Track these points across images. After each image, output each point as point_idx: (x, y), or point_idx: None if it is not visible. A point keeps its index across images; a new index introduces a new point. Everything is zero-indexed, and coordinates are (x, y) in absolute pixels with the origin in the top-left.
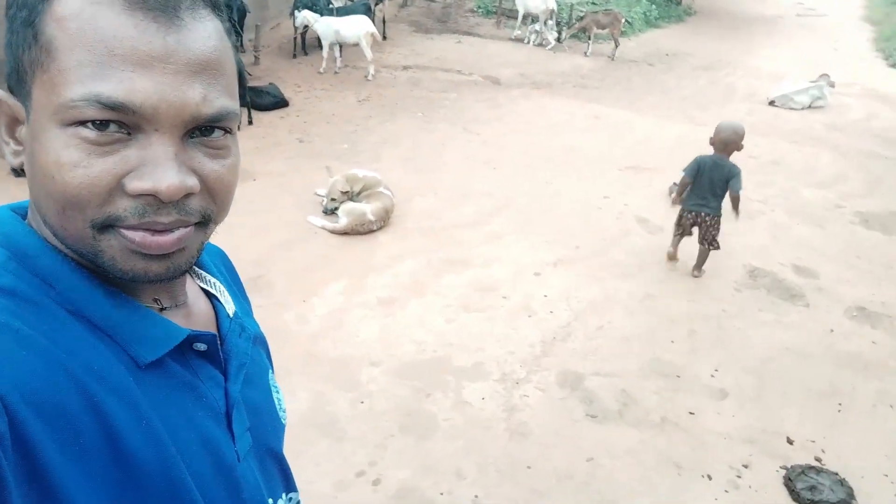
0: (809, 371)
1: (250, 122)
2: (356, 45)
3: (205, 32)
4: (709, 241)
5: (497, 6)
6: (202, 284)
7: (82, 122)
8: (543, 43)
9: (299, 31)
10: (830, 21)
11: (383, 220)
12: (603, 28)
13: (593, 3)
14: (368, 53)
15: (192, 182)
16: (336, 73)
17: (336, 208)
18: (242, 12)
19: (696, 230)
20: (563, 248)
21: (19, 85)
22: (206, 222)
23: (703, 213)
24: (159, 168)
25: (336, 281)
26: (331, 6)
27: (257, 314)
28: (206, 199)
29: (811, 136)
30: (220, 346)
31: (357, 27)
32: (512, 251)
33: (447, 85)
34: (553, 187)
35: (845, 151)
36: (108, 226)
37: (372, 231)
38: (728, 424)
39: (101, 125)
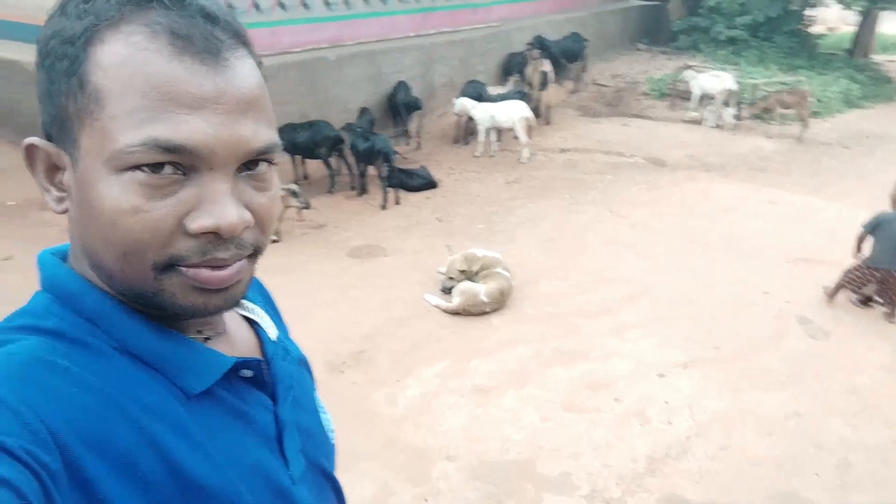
0: None
1: (398, 202)
2: (511, 129)
3: (247, 71)
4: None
5: (671, 88)
6: (242, 312)
7: (138, 167)
8: (720, 124)
9: (461, 118)
10: None
11: (498, 302)
12: (788, 108)
13: (783, 84)
14: (523, 137)
15: (248, 216)
16: (492, 156)
17: (453, 287)
18: (415, 106)
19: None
20: (700, 348)
21: (62, 133)
22: (255, 253)
23: (893, 270)
24: (218, 205)
25: (437, 362)
26: (489, 94)
27: (351, 390)
28: (257, 232)
29: None
30: (265, 371)
31: (511, 112)
32: (637, 346)
33: (604, 167)
34: (702, 277)
35: None
36: (169, 266)
37: (485, 312)
38: None
39: (155, 168)
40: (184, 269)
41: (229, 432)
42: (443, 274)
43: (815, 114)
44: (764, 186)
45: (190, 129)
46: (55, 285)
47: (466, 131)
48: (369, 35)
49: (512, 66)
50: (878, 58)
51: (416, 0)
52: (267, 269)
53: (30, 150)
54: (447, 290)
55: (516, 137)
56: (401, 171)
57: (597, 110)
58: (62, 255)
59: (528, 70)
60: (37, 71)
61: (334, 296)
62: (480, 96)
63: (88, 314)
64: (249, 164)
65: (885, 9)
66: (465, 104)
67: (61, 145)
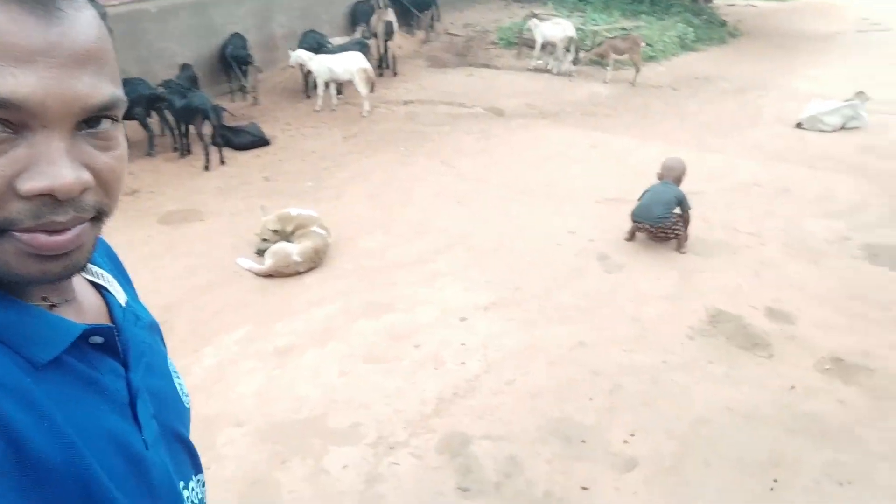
0: (749, 437)
1: (222, 162)
2: (350, 81)
3: (86, 22)
4: (665, 238)
5: (518, 36)
6: (89, 277)
7: None
8: (561, 71)
9: (301, 70)
10: (895, 36)
11: (313, 261)
12: (622, 53)
13: (623, 30)
14: (363, 90)
15: (87, 177)
16: (332, 110)
17: (266, 249)
18: (245, 59)
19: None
20: (503, 289)
21: None
22: (99, 217)
23: (646, 224)
24: (53, 166)
25: (240, 328)
26: (329, 45)
27: None
28: (100, 193)
29: (837, 161)
30: (117, 337)
31: (350, 64)
32: (445, 293)
33: (444, 118)
34: (517, 222)
35: (873, 176)
36: (0, 231)
37: (298, 273)
38: (626, 502)
39: None
40: (17, 233)
41: (80, 402)
42: (258, 236)
43: (651, 58)
44: (591, 131)
45: (17, 84)
46: None
47: (307, 85)
48: None
49: (358, 16)
50: (718, 2)
51: None
52: None
53: None
54: (261, 253)
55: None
56: (227, 128)
57: (446, 60)
58: None
59: (373, 20)
60: None
61: (135, 266)
62: (320, 47)
63: None
64: (91, 122)
65: None
66: (302, 56)
67: None
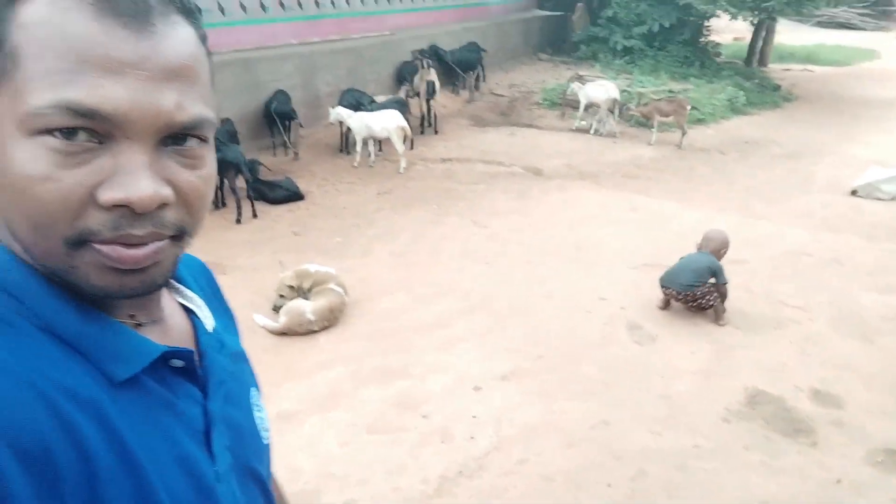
0: None
1: (255, 216)
2: (388, 138)
3: (178, 39)
4: (697, 308)
5: (562, 98)
6: (180, 299)
7: (50, 132)
8: (603, 132)
9: (341, 127)
10: None
11: (328, 320)
12: (667, 116)
13: (670, 92)
14: (399, 147)
15: (167, 192)
16: (370, 166)
17: (283, 306)
18: (288, 115)
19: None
20: (523, 358)
21: None
22: (180, 235)
23: (673, 291)
24: (132, 177)
25: None
26: (367, 104)
27: None
28: (181, 212)
29: (894, 231)
30: (198, 363)
31: (387, 121)
32: (461, 360)
33: (481, 177)
34: (545, 286)
35: None
36: (81, 241)
37: (312, 332)
38: None
39: (69, 134)
40: (97, 245)
41: (154, 424)
42: (276, 292)
43: (700, 120)
44: (631, 193)
45: (104, 94)
46: None
47: (347, 141)
48: (247, 43)
49: (404, 75)
50: (774, 66)
51: (300, 7)
52: None
53: None
54: (277, 309)
55: None
56: (262, 182)
57: (488, 120)
58: None
59: (416, 79)
60: None
61: None
62: (359, 105)
63: (13, 290)
64: (177, 138)
65: (772, 19)
66: (341, 113)
67: None
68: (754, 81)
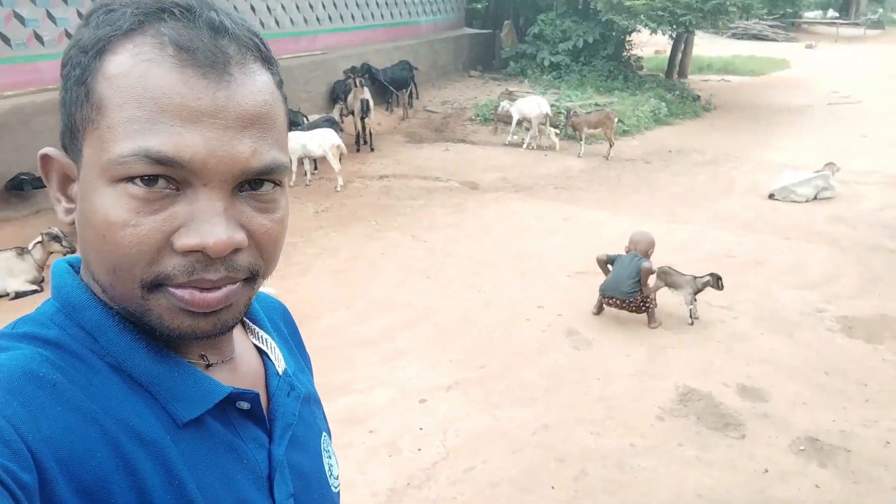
0: None
1: None
2: (323, 157)
3: (255, 87)
4: (637, 310)
5: (494, 113)
6: (255, 340)
7: (131, 179)
8: (539, 145)
9: None
10: (865, 108)
11: None
12: (595, 128)
13: (597, 105)
14: (335, 165)
15: (240, 237)
16: (307, 185)
17: None
18: None
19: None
20: (466, 368)
21: (72, 143)
22: (253, 278)
23: (616, 299)
24: (207, 224)
25: None
26: (303, 122)
27: None
28: (254, 255)
29: (809, 231)
30: (266, 406)
31: (322, 140)
32: (405, 373)
33: (418, 192)
34: (485, 297)
35: (846, 246)
36: (157, 285)
37: None
38: None
39: (149, 181)
40: (172, 289)
41: (216, 466)
42: None
43: (625, 132)
44: (563, 204)
45: (183, 142)
46: (62, 295)
47: None
48: None
49: (337, 94)
50: (693, 77)
51: None
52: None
53: (44, 160)
54: None
55: None
56: None
57: (423, 136)
58: (78, 265)
59: (350, 98)
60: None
61: None
62: (292, 124)
63: (89, 328)
64: (253, 183)
65: (689, 32)
66: None
67: (71, 155)
68: (675, 93)
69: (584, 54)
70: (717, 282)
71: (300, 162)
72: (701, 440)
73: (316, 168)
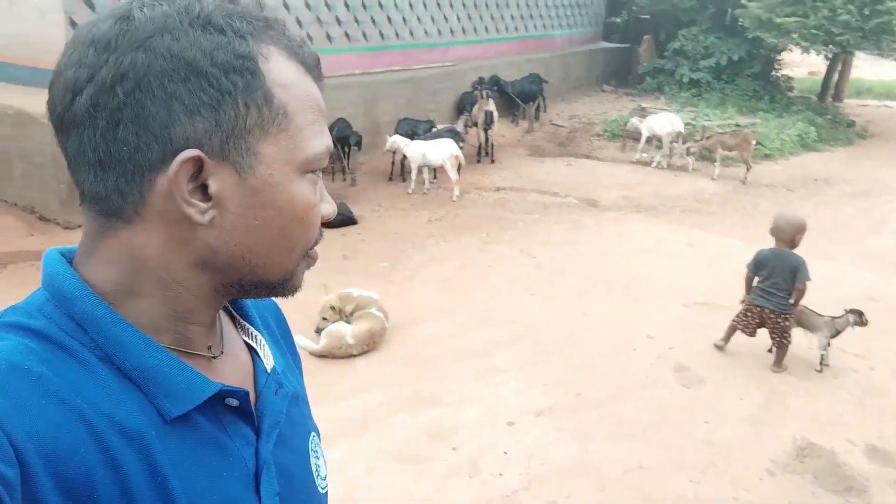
0: None
1: None
2: (442, 166)
3: None
4: (780, 343)
5: (623, 129)
6: (245, 337)
7: (314, 170)
8: (670, 164)
9: (394, 155)
10: None
11: (367, 344)
12: (731, 150)
13: (737, 126)
14: (453, 175)
15: None
16: (424, 193)
17: (325, 328)
18: (347, 141)
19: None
20: (562, 394)
21: (230, 144)
22: None
23: (766, 309)
24: (326, 199)
25: None
26: (428, 131)
27: None
28: None
29: None
30: (254, 403)
31: (442, 150)
32: (498, 392)
33: (534, 206)
34: (591, 320)
35: None
36: (308, 250)
37: (352, 355)
38: None
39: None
40: (310, 251)
41: (202, 463)
42: (319, 314)
43: (767, 156)
44: (689, 228)
45: (328, 137)
46: (52, 284)
47: (402, 168)
48: None
49: (464, 105)
50: (850, 101)
51: (365, 38)
52: None
53: (194, 162)
54: (319, 332)
55: None
56: None
57: (546, 150)
58: (70, 256)
59: (475, 109)
60: (167, 85)
61: None
62: (414, 134)
63: (80, 319)
64: None
65: (848, 53)
66: (398, 142)
67: (224, 157)
68: (826, 117)
69: (727, 72)
70: (859, 317)
71: (419, 170)
72: (816, 502)
73: (435, 177)
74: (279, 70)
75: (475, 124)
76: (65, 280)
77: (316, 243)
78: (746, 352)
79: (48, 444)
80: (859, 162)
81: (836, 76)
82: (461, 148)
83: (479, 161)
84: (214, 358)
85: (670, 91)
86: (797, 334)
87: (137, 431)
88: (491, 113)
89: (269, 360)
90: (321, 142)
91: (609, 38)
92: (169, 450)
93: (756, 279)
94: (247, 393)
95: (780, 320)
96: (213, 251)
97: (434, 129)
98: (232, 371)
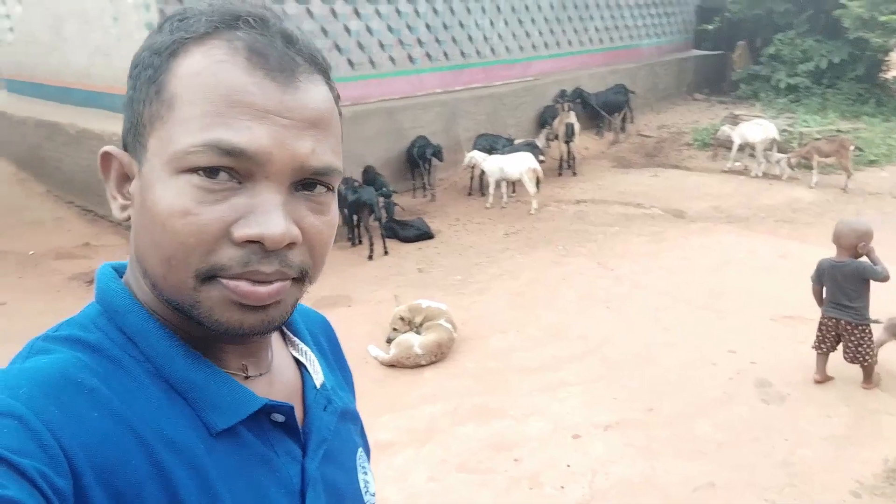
0: None
1: (386, 253)
2: (520, 179)
3: (318, 94)
4: (854, 358)
5: (713, 138)
6: (294, 353)
7: (195, 170)
8: (766, 173)
9: (474, 170)
10: None
11: (435, 355)
12: (827, 156)
13: (838, 132)
14: (531, 188)
15: (296, 232)
16: (503, 207)
17: (395, 339)
18: (426, 157)
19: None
20: (632, 409)
21: (135, 140)
22: (302, 278)
23: (842, 321)
24: (267, 215)
25: None
26: (506, 146)
27: None
28: (305, 254)
29: None
30: (302, 419)
31: (519, 163)
32: (564, 406)
33: (616, 218)
34: (669, 335)
35: None
36: (209, 277)
37: (420, 365)
38: None
39: (211, 172)
40: (224, 280)
41: (248, 478)
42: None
43: (872, 162)
44: (782, 239)
45: (251, 135)
46: (105, 299)
47: (482, 183)
48: (395, 92)
49: (546, 118)
50: None
51: (446, 57)
52: None
53: (104, 158)
54: (390, 342)
55: None
56: (396, 222)
57: (632, 161)
58: (122, 271)
59: (555, 122)
60: (126, 82)
61: None
62: (492, 149)
63: (130, 332)
64: (308, 185)
65: None
66: (476, 157)
67: (133, 153)
68: None
69: (827, 76)
70: None
71: (497, 185)
72: None
73: (514, 191)
74: (190, 62)
75: (556, 137)
76: (115, 295)
77: (217, 267)
78: (834, 367)
79: (100, 456)
80: None
81: None
82: (541, 161)
83: (560, 174)
84: (248, 377)
85: (766, 98)
86: (890, 347)
87: (186, 444)
88: (572, 125)
89: (317, 375)
90: (206, 135)
91: (701, 46)
92: (217, 463)
93: (824, 291)
94: (292, 408)
95: (856, 332)
96: (134, 255)
97: (513, 144)
98: (279, 386)
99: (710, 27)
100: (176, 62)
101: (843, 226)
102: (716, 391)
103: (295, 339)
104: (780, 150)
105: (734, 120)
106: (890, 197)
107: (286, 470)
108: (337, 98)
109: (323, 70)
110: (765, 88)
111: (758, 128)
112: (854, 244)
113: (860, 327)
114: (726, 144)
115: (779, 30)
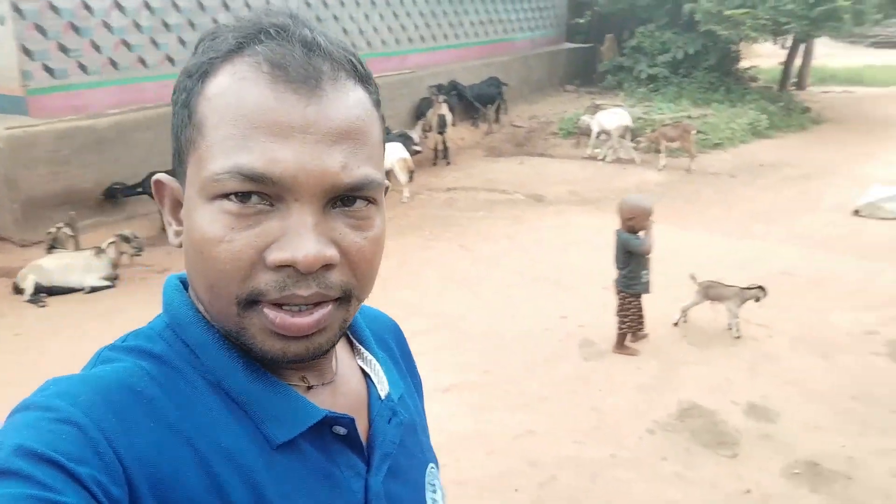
0: None
1: None
2: (391, 170)
3: (347, 103)
4: (620, 318)
5: (576, 127)
6: (360, 362)
7: (226, 196)
8: (620, 158)
9: None
10: None
11: None
12: (672, 141)
13: (689, 118)
14: (402, 178)
15: (331, 253)
16: None
17: None
18: None
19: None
20: (471, 372)
21: (179, 165)
22: (347, 298)
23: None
24: (297, 238)
25: None
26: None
27: None
28: (347, 273)
29: (891, 250)
30: (367, 432)
31: (389, 154)
32: None
33: (482, 204)
34: (515, 307)
35: None
36: (251, 302)
37: None
38: None
39: (243, 197)
40: (265, 310)
41: (309, 493)
42: None
43: (717, 145)
44: None
45: (273, 158)
46: (170, 311)
47: None
48: None
49: (422, 111)
50: (814, 89)
51: None
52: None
53: (157, 186)
54: None
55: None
56: None
57: (503, 150)
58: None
59: (429, 114)
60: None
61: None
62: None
63: (192, 344)
64: (346, 200)
65: (802, 41)
66: None
67: (179, 178)
68: (780, 104)
69: (683, 66)
70: (761, 291)
71: None
72: (688, 457)
73: (388, 180)
74: (216, 82)
75: (431, 128)
76: (179, 307)
77: (256, 293)
78: (650, 326)
79: (156, 467)
80: (809, 147)
81: (794, 64)
82: (417, 152)
83: (435, 164)
84: (310, 388)
85: (629, 87)
86: (700, 307)
87: (244, 458)
88: (444, 116)
89: (382, 385)
90: (229, 161)
91: (574, 39)
92: (276, 477)
93: None
94: (353, 420)
95: (618, 298)
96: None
97: (389, 135)
98: (343, 398)
99: (582, 21)
100: (205, 84)
101: (622, 202)
102: (546, 352)
103: (361, 348)
104: (634, 137)
105: (594, 109)
106: (727, 177)
107: (349, 485)
108: (377, 103)
109: (356, 74)
110: (628, 79)
111: (613, 116)
112: (627, 218)
113: (621, 294)
114: (587, 132)
115: (642, 23)
